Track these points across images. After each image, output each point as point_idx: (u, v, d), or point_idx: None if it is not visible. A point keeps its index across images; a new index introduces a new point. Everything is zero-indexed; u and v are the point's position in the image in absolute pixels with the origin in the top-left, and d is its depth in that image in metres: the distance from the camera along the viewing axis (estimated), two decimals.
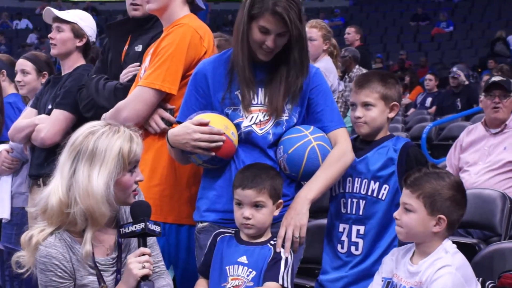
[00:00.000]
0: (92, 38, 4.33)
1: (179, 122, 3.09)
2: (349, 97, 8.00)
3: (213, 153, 2.93)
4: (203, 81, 3.06)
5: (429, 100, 12.22)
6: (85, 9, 24.98)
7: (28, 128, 4.18)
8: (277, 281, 2.82)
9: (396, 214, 2.81)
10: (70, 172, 2.64)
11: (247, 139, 3.01)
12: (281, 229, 2.91)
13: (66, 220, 2.63)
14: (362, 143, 3.15)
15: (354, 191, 3.11)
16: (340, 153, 3.04)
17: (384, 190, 3.06)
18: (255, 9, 2.91)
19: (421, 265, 2.73)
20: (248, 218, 2.87)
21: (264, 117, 3.01)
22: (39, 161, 4.19)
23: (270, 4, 2.88)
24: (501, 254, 3.38)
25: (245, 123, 3.01)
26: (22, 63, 4.78)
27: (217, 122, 2.95)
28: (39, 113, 4.26)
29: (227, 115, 3.01)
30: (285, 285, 2.83)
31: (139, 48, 3.63)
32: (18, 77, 4.77)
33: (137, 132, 2.75)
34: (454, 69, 11.28)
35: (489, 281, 3.15)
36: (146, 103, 3.22)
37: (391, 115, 3.14)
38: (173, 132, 3.01)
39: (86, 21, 4.32)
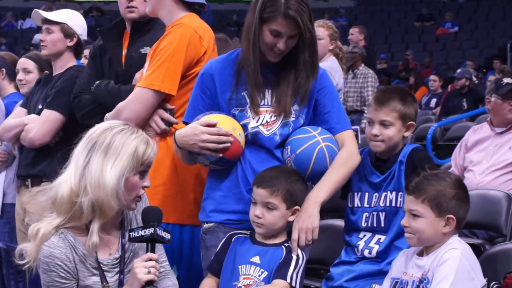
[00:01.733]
0: (83, 36, 4.32)
1: (186, 123, 3.09)
2: (348, 93, 8.07)
3: (221, 154, 2.93)
4: (210, 81, 3.06)
5: (433, 100, 12.21)
6: (90, 9, 25.03)
7: (17, 128, 4.16)
8: (285, 279, 2.83)
9: (404, 222, 2.81)
10: (85, 162, 2.66)
11: (253, 140, 3.01)
12: (294, 232, 2.91)
13: (72, 210, 2.64)
14: (381, 160, 3.15)
15: (374, 205, 3.11)
16: (348, 155, 3.04)
17: (401, 197, 3.05)
18: (267, 12, 2.90)
19: (430, 257, 2.75)
20: (258, 217, 2.89)
21: (271, 118, 3.01)
22: (28, 161, 4.17)
23: (283, 8, 2.88)
24: (506, 254, 3.37)
25: (252, 124, 3.01)
26: (24, 62, 4.78)
27: (225, 123, 2.95)
28: (29, 113, 4.24)
29: (234, 116, 3.01)
30: (293, 284, 2.83)
31: (146, 50, 3.63)
32: (20, 76, 4.76)
33: (155, 139, 2.77)
34: (458, 71, 11.27)
35: (494, 282, 3.14)
36: (145, 104, 3.22)
37: (407, 133, 3.14)
38: (180, 133, 3.01)
39: (75, 20, 4.30)
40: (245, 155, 3.02)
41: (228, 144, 2.93)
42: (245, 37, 3.00)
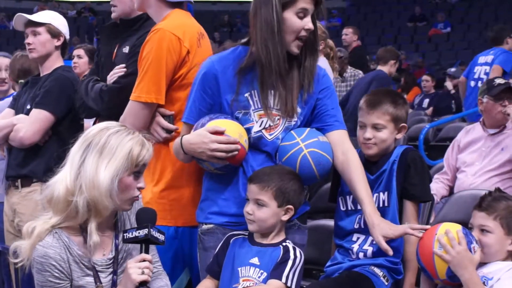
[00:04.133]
0: (67, 36, 4.30)
1: (186, 123, 3.06)
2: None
3: (227, 162, 2.91)
4: (213, 81, 2.99)
5: (426, 101, 12.23)
6: (83, 10, 24.99)
7: (6, 129, 4.13)
8: (280, 279, 2.82)
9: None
10: (80, 161, 2.66)
11: (256, 144, 2.99)
12: (391, 235, 2.84)
13: (68, 209, 2.64)
14: (370, 162, 3.16)
15: None
16: (358, 157, 3.03)
17: (390, 197, 3.07)
18: None
19: (495, 264, 2.86)
20: (249, 214, 2.89)
21: (274, 121, 2.98)
22: (17, 161, 4.15)
23: None
24: None
25: (255, 128, 2.98)
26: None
27: (232, 130, 2.91)
28: (17, 114, 4.22)
29: (237, 119, 2.97)
30: (289, 284, 2.82)
31: (126, 49, 3.61)
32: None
33: (151, 141, 2.77)
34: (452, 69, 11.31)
35: None
36: (138, 117, 3.20)
37: (399, 136, 3.16)
38: (188, 140, 2.95)
39: (58, 20, 4.29)
40: (247, 159, 2.99)
41: (236, 152, 2.89)
42: (264, 33, 2.89)
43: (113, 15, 3.74)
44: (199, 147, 2.90)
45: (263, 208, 2.89)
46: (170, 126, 3.23)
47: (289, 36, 2.91)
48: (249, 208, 2.90)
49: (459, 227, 2.86)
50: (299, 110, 3.01)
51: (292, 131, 3.01)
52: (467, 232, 2.86)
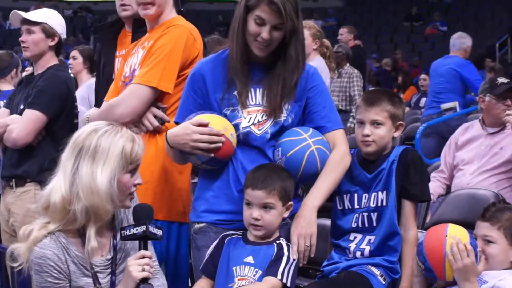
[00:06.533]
0: (63, 35, 4.29)
1: (177, 123, 3.08)
2: (333, 92, 8.12)
3: (212, 154, 2.92)
4: (201, 81, 3.04)
5: (423, 100, 12.22)
6: (79, 9, 24.96)
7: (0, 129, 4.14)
8: (276, 276, 2.82)
9: (478, 248, 2.91)
10: (73, 169, 2.65)
11: (245, 140, 3.00)
12: (293, 237, 2.92)
13: (66, 217, 2.64)
14: (368, 161, 3.16)
15: (364, 206, 3.12)
16: (340, 156, 3.04)
17: (389, 197, 3.08)
18: (252, 0, 2.90)
19: (492, 272, 2.87)
20: (257, 219, 2.88)
21: (262, 117, 3.00)
22: (12, 162, 4.14)
23: None
24: None
25: (244, 124, 2.99)
26: None
27: (216, 123, 2.94)
28: (12, 113, 4.21)
29: (225, 116, 3.00)
30: (284, 280, 2.83)
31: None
32: None
33: (140, 134, 2.76)
34: None
35: None
36: (142, 100, 3.22)
37: (396, 134, 3.17)
38: (172, 132, 3.00)
39: (55, 19, 4.27)
40: (237, 155, 3.01)
41: (220, 144, 2.91)
42: (231, 31, 3.01)
43: (124, 14, 3.74)
44: (182, 138, 2.93)
45: (271, 211, 2.90)
46: (165, 116, 3.26)
47: (248, 37, 2.96)
48: (256, 213, 2.89)
49: (467, 237, 2.87)
50: (288, 106, 3.02)
51: (296, 128, 3.03)
52: (474, 244, 2.88)
